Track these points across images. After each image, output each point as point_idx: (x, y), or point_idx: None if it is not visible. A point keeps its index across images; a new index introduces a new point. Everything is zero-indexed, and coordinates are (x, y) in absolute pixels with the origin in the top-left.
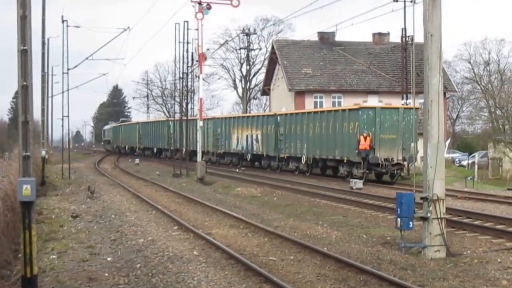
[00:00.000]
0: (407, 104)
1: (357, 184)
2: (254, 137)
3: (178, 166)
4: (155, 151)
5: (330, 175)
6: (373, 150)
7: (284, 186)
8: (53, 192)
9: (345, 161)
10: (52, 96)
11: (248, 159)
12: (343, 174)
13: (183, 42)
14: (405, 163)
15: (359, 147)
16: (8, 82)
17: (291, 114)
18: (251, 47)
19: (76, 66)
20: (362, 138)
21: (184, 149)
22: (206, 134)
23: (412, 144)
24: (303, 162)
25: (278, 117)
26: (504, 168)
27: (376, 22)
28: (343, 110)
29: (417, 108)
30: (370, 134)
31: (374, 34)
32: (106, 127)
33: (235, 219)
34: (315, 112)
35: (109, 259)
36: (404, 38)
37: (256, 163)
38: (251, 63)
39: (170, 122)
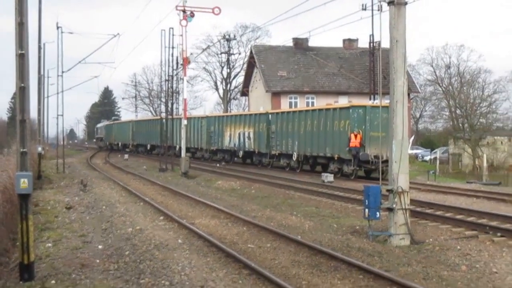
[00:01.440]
0: (375, 104)
1: (328, 177)
2: (246, 134)
3: (164, 161)
4: (148, 148)
5: (320, 172)
6: (363, 148)
7: (262, 180)
8: (48, 185)
9: (335, 158)
10: (47, 97)
11: (240, 156)
12: (334, 171)
13: (169, 47)
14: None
15: (350, 145)
16: (7, 84)
17: (283, 112)
18: (231, 51)
19: (69, 69)
20: (352, 135)
21: (178, 146)
22: (200, 132)
23: None
24: (294, 159)
25: (270, 116)
26: (463, 162)
27: (346, 29)
28: (334, 109)
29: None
30: (361, 132)
31: (344, 40)
32: (99, 125)
33: (216, 210)
34: (307, 111)
35: (100, 247)
36: (371, 44)
37: (248, 159)
38: (231, 67)
39: (164, 120)
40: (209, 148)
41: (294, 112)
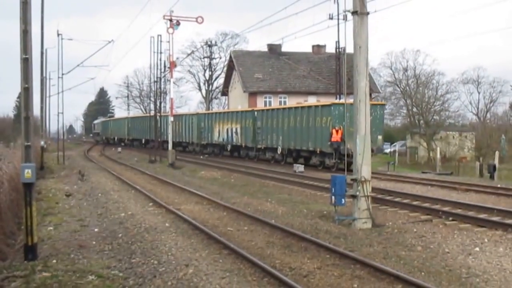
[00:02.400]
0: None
1: (299, 168)
2: (234, 130)
3: (153, 154)
4: (143, 142)
5: (303, 164)
6: (343, 142)
7: (240, 170)
8: (50, 175)
9: (318, 152)
10: (49, 96)
11: (229, 150)
12: (316, 163)
13: (157, 52)
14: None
15: (331, 139)
16: (13, 85)
17: (268, 110)
18: (212, 56)
19: (69, 72)
20: (334, 131)
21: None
22: (191, 128)
23: (379, 137)
24: (278, 152)
25: (256, 113)
26: (419, 155)
27: (315, 36)
28: (316, 106)
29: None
30: (341, 127)
31: (313, 46)
32: (96, 122)
33: (199, 197)
34: (290, 108)
35: (96, 230)
36: (337, 49)
37: (236, 153)
38: (212, 69)
39: (156, 117)
40: (199, 142)
41: (278, 109)
